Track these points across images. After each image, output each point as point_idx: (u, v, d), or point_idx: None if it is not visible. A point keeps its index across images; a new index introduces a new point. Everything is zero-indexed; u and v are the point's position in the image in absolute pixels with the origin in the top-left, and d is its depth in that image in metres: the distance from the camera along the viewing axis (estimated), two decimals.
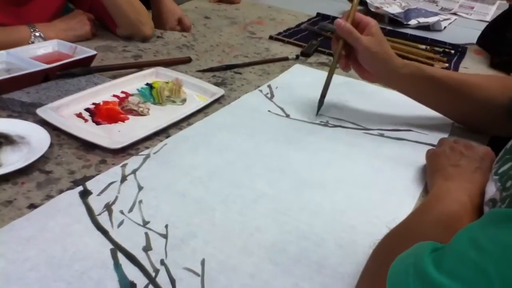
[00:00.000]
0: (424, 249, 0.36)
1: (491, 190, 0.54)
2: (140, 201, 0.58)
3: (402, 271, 0.36)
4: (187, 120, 0.78)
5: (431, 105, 0.84)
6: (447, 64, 1.14)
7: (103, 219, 0.54)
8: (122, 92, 0.83)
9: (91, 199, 0.57)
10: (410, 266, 0.36)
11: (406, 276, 0.35)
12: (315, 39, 1.22)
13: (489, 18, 1.69)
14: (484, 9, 1.83)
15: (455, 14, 1.73)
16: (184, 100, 0.84)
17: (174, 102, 0.83)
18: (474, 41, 1.34)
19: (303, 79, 0.99)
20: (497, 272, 0.30)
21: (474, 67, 1.18)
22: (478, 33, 1.34)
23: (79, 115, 0.74)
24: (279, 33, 1.27)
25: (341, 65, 0.83)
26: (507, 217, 0.33)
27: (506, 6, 1.32)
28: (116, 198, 0.58)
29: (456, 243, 0.34)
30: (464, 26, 1.59)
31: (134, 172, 0.63)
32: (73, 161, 0.64)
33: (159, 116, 0.77)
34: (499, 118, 0.77)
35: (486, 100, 0.78)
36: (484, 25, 1.38)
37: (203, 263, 0.50)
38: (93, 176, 0.61)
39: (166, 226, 0.54)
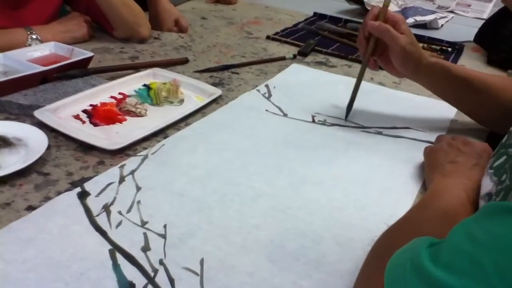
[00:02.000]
0: (421, 244, 0.37)
1: (487, 183, 0.54)
2: (139, 202, 0.58)
3: (399, 266, 0.36)
4: (185, 120, 0.78)
5: (453, 102, 0.84)
6: None
7: (102, 220, 0.54)
8: (120, 93, 0.83)
9: (90, 200, 0.57)
10: (407, 260, 0.36)
11: (404, 271, 0.35)
12: (312, 39, 1.22)
13: (485, 15, 1.70)
14: (480, 7, 1.83)
15: (452, 12, 1.73)
16: (181, 101, 0.84)
17: (171, 102, 0.83)
18: (471, 38, 1.34)
19: (300, 79, 0.99)
20: (491, 263, 0.30)
21: (471, 65, 1.18)
22: (475, 30, 1.35)
23: (77, 117, 0.75)
24: (276, 33, 1.27)
25: (371, 65, 0.82)
26: (500, 209, 0.33)
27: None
28: (115, 199, 0.58)
29: (452, 237, 0.35)
30: (461, 24, 1.59)
31: (132, 172, 0.63)
32: (71, 162, 0.64)
33: (157, 117, 0.77)
34: None
35: (509, 102, 0.77)
36: (481, 22, 1.38)
37: (202, 262, 0.50)
38: (91, 177, 0.61)
39: (165, 226, 0.54)
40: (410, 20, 1.46)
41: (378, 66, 0.83)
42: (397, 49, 0.76)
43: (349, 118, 0.83)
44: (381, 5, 0.81)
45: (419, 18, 1.48)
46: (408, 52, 0.76)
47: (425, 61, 0.78)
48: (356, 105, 0.88)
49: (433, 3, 1.85)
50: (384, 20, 0.78)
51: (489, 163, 0.57)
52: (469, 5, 1.86)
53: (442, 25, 1.51)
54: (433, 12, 1.56)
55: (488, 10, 1.78)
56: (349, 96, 0.83)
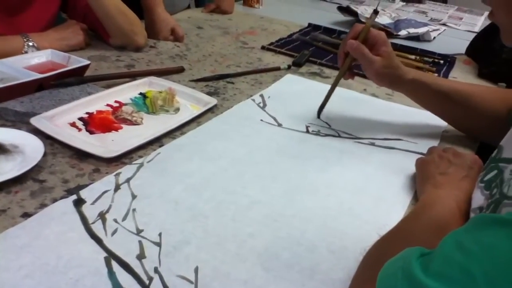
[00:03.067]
0: (412, 253, 0.37)
1: (478, 197, 0.55)
2: (134, 210, 0.58)
3: (391, 275, 0.37)
4: (181, 129, 0.79)
5: (437, 114, 0.86)
6: (436, 74, 1.16)
7: (97, 228, 0.55)
8: (116, 101, 0.83)
9: (85, 208, 0.58)
10: (398, 270, 0.36)
11: (395, 280, 0.36)
12: (306, 49, 1.23)
13: (477, 28, 1.72)
14: (472, 20, 1.87)
15: (444, 24, 1.76)
16: (177, 109, 0.85)
17: (167, 111, 0.84)
18: (463, 51, 1.36)
19: (295, 89, 1.01)
20: (481, 272, 0.31)
21: (463, 77, 1.20)
22: (467, 43, 1.37)
23: (73, 124, 0.75)
24: (271, 43, 1.29)
25: (347, 77, 0.86)
26: (490, 220, 0.34)
27: None
28: (110, 206, 0.58)
29: (442, 247, 0.35)
30: (453, 37, 1.62)
31: (127, 180, 0.64)
32: (67, 170, 0.65)
33: (153, 125, 0.78)
34: (498, 128, 0.78)
35: (489, 111, 0.80)
36: (472, 35, 1.41)
37: (196, 270, 0.50)
38: (86, 185, 0.62)
39: (160, 234, 0.55)
40: (403, 32, 1.49)
41: (353, 77, 0.87)
42: (370, 72, 0.80)
43: (343, 129, 0.84)
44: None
45: (411, 31, 1.50)
46: (381, 74, 0.79)
47: (402, 79, 0.80)
48: (349, 116, 0.90)
49: (426, 16, 1.87)
50: (365, 39, 0.79)
51: (479, 176, 0.58)
52: (461, 18, 1.88)
53: (434, 37, 1.54)
54: (425, 25, 1.58)
55: (479, 23, 1.81)
56: (344, 107, 0.85)
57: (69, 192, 0.60)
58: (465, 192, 0.60)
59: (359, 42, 0.78)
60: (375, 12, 0.82)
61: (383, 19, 1.53)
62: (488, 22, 1.42)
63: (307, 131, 0.83)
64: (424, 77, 0.83)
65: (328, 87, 0.87)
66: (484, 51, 1.26)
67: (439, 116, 0.86)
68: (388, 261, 0.40)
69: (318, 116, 0.88)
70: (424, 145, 0.79)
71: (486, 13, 1.89)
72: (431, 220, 0.55)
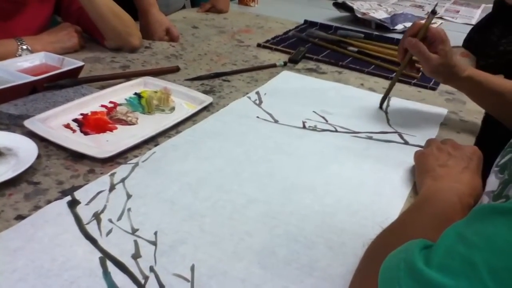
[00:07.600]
0: (415, 246, 0.37)
1: (492, 181, 0.55)
2: (129, 209, 0.58)
3: (393, 267, 0.37)
4: (176, 128, 0.78)
5: (492, 113, 0.87)
6: None
7: (92, 228, 0.54)
8: (110, 102, 0.83)
9: (80, 209, 0.57)
10: (401, 261, 0.36)
11: (397, 271, 0.35)
12: (302, 46, 1.22)
13: (474, 21, 1.71)
14: (469, 13, 1.86)
15: (441, 18, 1.75)
16: (172, 109, 0.84)
17: (162, 110, 0.83)
18: (460, 44, 1.35)
19: (291, 85, 1.00)
20: (483, 262, 0.31)
21: None
22: (464, 36, 1.36)
23: (67, 126, 0.74)
24: (267, 41, 1.28)
25: (409, 70, 0.90)
26: (489, 210, 0.34)
27: (490, 9, 1.34)
28: (105, 207, 0.58)
29: (444, 240, 0.35)
30: (450, 30, 1.60)
31: (122, 180, 0.63)
32: (61, 171, 0.64)
33: (148, 125, 0.77)
34: None
35: None
36: (469, 28, 1.40)
37: (192, 268, 0.50)
38: (81, 186, 0.61)
39: (155, 233, 0.54)
40: (400, 27, 1.48)
41: (414, 69, 0.90)
42: (426, 68, 0.82)
43: (340, 123, 0.84)
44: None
45: (408, 25, 1.49)
46: (436, 72, 0.81)
47: (457, 76, 0.82)
48: (346, 110, 0.89)
49: (422, 10, 1.87)
50: (424, 36, 0.80)
51: (496, 161, 0.58)
52: (458, 11, 1.88)
53: None
54: (422, 19, 1.57)
55: (476, 16, 1.80)
56: (341, 102, 0.84)
57: (64, 193, 0.60)
58: (466, 184, 0.60)
59: (417, 40, 0.80)
60: (433, 12, 0.83)
61: (380, 13, 1.52)
62: (484, 14, 1.41)
63: (304, 127, 0.82)
64: (479, 76, 0.83)
65: (325, 82, 0.87)
66: (482, 44, 1.25)
67: (495, 116, 0.86)
68: (390, 253, 0.39)
69: (380, 107, 0.91)
70: (422, 138, 0.79)
71: (483, 6, 1.88)
72: (433, 214, 0.54)
